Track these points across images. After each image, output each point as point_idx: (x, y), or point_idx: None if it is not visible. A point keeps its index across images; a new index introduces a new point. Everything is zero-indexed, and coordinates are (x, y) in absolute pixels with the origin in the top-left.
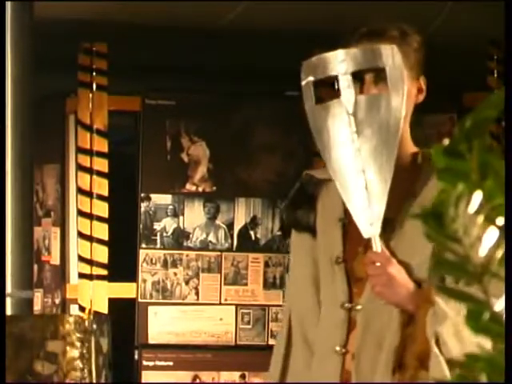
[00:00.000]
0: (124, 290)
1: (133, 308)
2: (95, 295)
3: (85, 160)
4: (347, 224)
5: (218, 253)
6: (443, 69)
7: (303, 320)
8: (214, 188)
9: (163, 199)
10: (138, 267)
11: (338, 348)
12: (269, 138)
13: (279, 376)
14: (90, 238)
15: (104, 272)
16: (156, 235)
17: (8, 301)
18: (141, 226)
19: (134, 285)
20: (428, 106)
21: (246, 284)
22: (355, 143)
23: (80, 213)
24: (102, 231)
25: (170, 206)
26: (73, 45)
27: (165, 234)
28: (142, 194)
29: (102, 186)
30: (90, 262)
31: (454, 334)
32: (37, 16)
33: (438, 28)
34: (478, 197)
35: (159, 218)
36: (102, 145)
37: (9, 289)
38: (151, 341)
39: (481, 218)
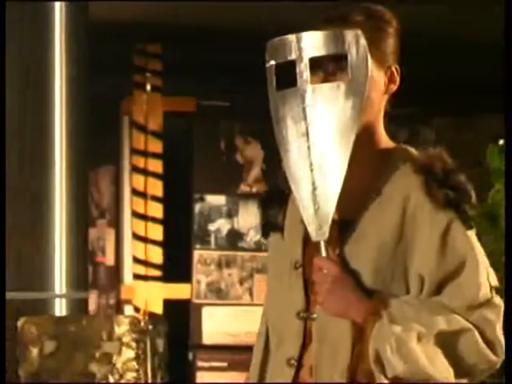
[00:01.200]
0: (178, 290)
1: (187, 309)
2: (150, 296)
3: (139, 161)
4: None
5: None
6: (496, 68)
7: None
8: None
9: (217, 200)
10: (192, 268)
11: (292, 361)
12: None
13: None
14: (144, 239)
15: (158, 273)
16: (210, 236)
17: (63, 301)
18: (195, 227)
19: (189, 286)
20: (481, 105)
21: None
22: (308, 137)
23: (134, 214)
24: (156, 232)
25: (224, 207)
26: (127, 46)
27: (219, 235)
28: (197, 195)
29: (156, 187)
30: (145, 263)
31: (397, 351)
32: (91, 18)
33: (489, 26)
34: None
35: (213, 218)
36: (156, 146)
37: (64, 289)
38: (205, 341)
39: None
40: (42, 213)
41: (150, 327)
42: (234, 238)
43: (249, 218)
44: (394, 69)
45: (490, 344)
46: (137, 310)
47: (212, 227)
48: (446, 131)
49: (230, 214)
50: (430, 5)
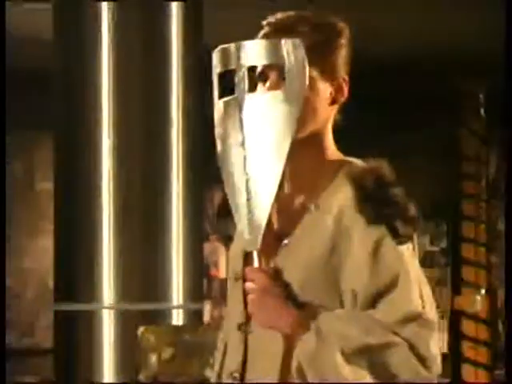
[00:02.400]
0: None
1: None
2: None
3: None
4: None
5: None
6: None
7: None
8: None
9: None
10: None
11: (234, 374)
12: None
13: None
14: None
15: None
16: None
17: (180, 312)
18: None
19: None
20: None
21: None
22: (244, 146)
23: None
24: None
25: None
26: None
27: None
28: None
29: None
30: None
31: (319, 363)
32: (205, 45)
33: None
34: None
35: None
36: None
37: (181, 301)
38: None
39: None
40: (162, 228)
41: None
42: None
43: None
44: (341, 80)
45: (422, 360)
46: None
47: None
48: None
49: None
50: None
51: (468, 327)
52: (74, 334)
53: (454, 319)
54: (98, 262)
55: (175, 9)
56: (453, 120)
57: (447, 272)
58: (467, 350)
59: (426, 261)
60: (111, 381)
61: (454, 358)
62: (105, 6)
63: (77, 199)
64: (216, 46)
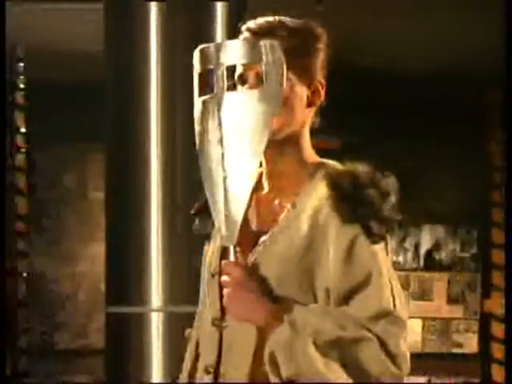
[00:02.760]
0: None
1: None
2: None
3: None
4: None
5: (406, 272)
6: None
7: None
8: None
9: None
10: None
11: (209, 368)
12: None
13: None
14: None
15: None
16: None
17: None
18: None
19: None
20: None
21: (431, 300)
22: (222, 144)
23: None
24: None
25: None
26: None
27: None
28: None
29: None
30: None
31: (292, 354)
32: None
33: None
34: None
35: None
36: None
37: None
38: None
39: None
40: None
41: None
42: None
43: None
44: (318, 83)
45: (392, 357)
46: None
47: None
48: None
49: None
50: None
51: (497, 329)
52: (125, 336)
53: (484, 322)
54: (148, 266)
55: (220, 9)
56: (483, 134)
57: (477, 277)
58: (496, 351)
59: (457, 266)
60: (160, 381)
61: (483, 359)
62: (153, 8)
63: (127, 208)
64: None
